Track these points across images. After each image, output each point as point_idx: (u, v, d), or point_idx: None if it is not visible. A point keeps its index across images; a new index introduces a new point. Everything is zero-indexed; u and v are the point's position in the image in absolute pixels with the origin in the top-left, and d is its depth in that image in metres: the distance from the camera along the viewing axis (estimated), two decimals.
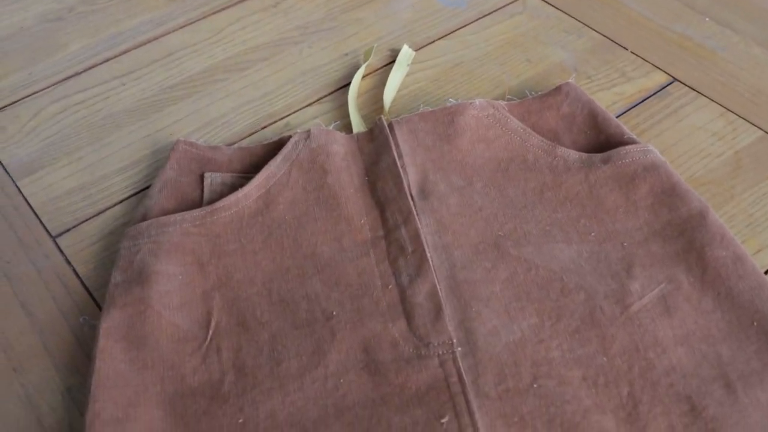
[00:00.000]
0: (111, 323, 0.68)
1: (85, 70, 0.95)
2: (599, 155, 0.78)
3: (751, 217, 0.76)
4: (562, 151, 0.79)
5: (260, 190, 0.77)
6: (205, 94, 0.91)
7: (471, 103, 0.82)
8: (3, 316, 0.72)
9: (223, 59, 0.95)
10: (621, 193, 0.76)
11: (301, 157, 0.79)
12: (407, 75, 0.92)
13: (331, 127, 0.85)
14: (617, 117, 0.87)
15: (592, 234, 0.74)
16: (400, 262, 0.72)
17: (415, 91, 0.90)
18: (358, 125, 0.85)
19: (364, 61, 0.92)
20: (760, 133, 0.84)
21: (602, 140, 0.81)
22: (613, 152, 0.78)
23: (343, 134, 0.82)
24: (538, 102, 0.84)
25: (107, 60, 0.96)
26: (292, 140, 0.80)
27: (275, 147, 0.82)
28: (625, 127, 0.80)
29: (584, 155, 0.78)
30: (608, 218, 0.75)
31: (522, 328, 0.68)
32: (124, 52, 0.97)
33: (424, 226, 0.75)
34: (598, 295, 0.69)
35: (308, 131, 0.80)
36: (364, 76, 0.92)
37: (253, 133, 0.86)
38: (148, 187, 0.82)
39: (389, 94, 0.88)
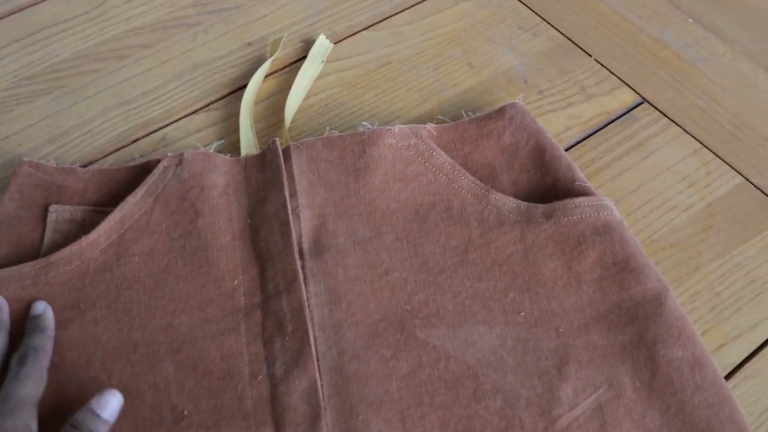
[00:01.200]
0: None
1: None
2: (541, 207, 0.63)
3: (718, 297, 0.62)
4: (496, 197, 0.64)
5: (111, 237, 0.61)
6: (69, 90, 0.74)
7: (389, 130, 0.66)
8: None
9: (99, 42, 0.78)
10: (563, 260, 0.61)
11: (169, 190, 0.63)
12: (320, 77, 0.75)
13: (214, 147, 0.69)
14: (570, 148, 0.71)
15: (522, 314, 0.59)
16: (276, 344, 0.57)
17: (326, 100, 0.73)
18: (248, 144, 0.69)
19: (271, 55, 0.75)
20: (739, 179, 0.69)
21: (548, 183, 0.65)
22: (558, 205, 0.63)
23: (227, 158, 0.66)
24: (475, 127, 0.68)
25: None
26: (160, 166, 0.64)
27: (141, 172, 0.65)
28: (578, 169, 0.65)
29: (523, 205, 0.63)
30: (544, 293, 0.60)
31: None
32: None
33: (313, 294, 0.60)
34: (520, 402, 0.56)
35: (180, 155, 0.64)
36: (267, 75, 0.75)
37: (121, 148, 0.70)
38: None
39: (293, 102, 0.71)
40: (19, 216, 0.63)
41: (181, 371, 0.56)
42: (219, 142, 0.70)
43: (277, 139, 0.65)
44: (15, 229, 0.63)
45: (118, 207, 0.62)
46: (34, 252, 0.62)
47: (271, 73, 0.75)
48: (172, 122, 0.71)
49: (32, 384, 0.52)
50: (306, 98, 0.73)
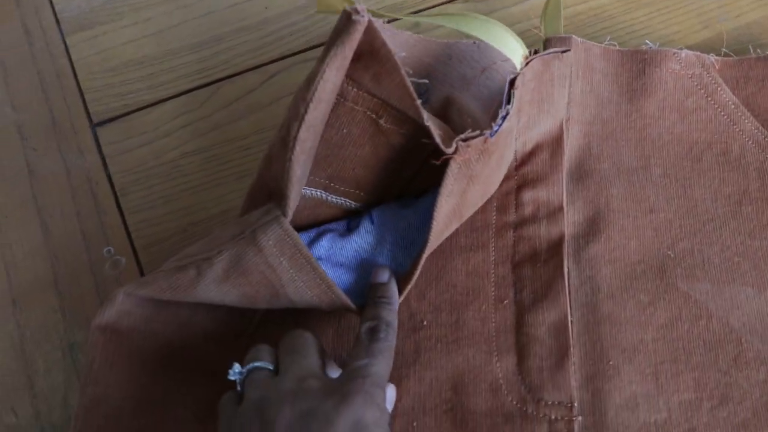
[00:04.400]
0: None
1: None
2: None
3: None
4: None
5: None
6: None
7: (675, 54, 0.59)
8: (15, 225, 0.57)
9: None
10: None
11: None
12: None
13: None
14: None
15: None
16: (525, 269, 0.53)
17: (595, 10, 0.67)
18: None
19: None
20: None
21: None
22: None
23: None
24: (763, 66, 0.61)
25: None
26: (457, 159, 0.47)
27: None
28: None
29: None
30: None
31: (671, 405, 0.50)
32: None
33: (570, 222, 0.55)
34: None
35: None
36: None
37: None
38: (225, 78, 0.63)
39: None
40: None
41: (423, 278, 0.53)
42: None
43: (574, 36, 0.58)
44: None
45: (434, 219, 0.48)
46: None
47: None
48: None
49: (386, 363, 0.45)
50: (575, 5, 0.67)
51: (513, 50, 0.52)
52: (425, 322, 0.52)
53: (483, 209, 0.55)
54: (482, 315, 0.52)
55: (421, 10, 0.68)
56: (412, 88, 0.45)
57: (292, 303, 0.47)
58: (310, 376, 0.43)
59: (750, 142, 0.58)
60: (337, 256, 0.50)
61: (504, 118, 0.48)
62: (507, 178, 0.56)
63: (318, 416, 0.40)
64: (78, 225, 0.57)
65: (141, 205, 0.58)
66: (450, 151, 0.46)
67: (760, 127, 0.58)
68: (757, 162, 0.57)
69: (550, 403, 0.49)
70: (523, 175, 0.56)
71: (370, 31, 0.43)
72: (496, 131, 0.48)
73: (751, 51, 0.62)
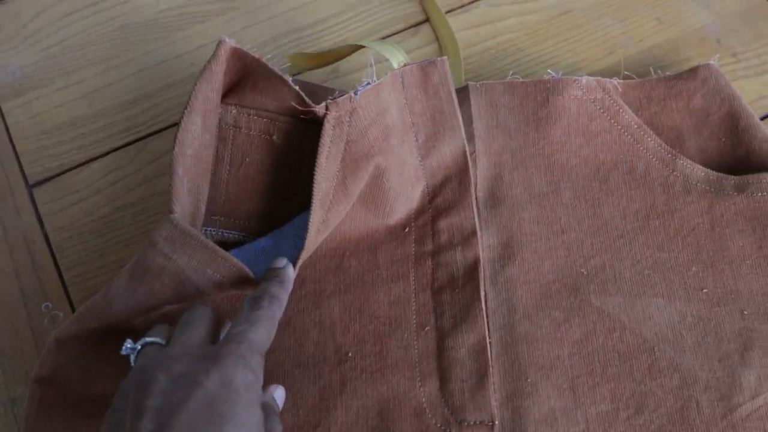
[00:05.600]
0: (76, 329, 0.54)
1: None
2: (733, 179, 0.59)
3: None
4: (683, 164, 0.60)
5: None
6: (242, 13, 0.72)
7: (575, 81, 0.62)
8: None
9: None
10: (753, 238, 0.57)
11: (354, 150, 0.55)
12: (499, 20, 0.71)
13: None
14: (765, 118, 0.66)
15: (705, 291, 0.56)
16: (445, 295, 0.56)
17: (504, 45, 0.70)
18: (396, 54, 0.64)
19: None
20: None
21: (740, 154, 0.61)
22: (752, 178, 0.58)
23: (387, 81, 0.57)
24: (664, 86, 0.64)
25: None
26: (330, 117, 0.54)
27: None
28: None
29: (713, 174, 0.59)
30: (729, 271, 0.56)
31: (588, 417, 0.52)
32: None
33: (485, 247, 0.57)
34: (698, 384, 0.53)
35: (349, 98, 0.55)
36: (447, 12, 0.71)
37: (293, 75, 0.68)
38: (153, 134, 0.66)
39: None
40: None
41: (347, 312, 0.55)
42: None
43: (445, 57, 0.60)
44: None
45: (313, 203, 0.52)
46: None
47: (451, 10, 0.72)
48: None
49: (265, 330, 0.45)
50: (484, 41, 0.70)
51: (393, 55, 0.59)
52: (350, 354, 0.54)
53: (402, 242, 0.58)
54: (405, 343, 0.54)
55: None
56: (281, 75, 0.55)
57: (198, 289, 0.49)
58: (194, 345, 0.44)
59: (654, 159, 0.60)
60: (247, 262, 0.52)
61: (368, 84, 0.55)
62: (422, 211, 0.59)
63: (188, 378, 0.40)
64: (16, 282, 0.59)
65: (76, 260, 0.60)
66: (321, 110, 0.53)
67: (664, 145, 0.61)
68: (661, 177, 0.60)
69: (472, 423, 0.51)
70: (436, 206, 0.58)
71: (238, 54, 0.55)
72: (359, 91, 0.54)
73: (652, 72, 0.65)
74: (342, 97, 0.54)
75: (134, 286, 0.48)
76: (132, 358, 0.45)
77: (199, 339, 0.45)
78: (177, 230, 0.48)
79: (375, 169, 0.55)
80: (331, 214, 0.53)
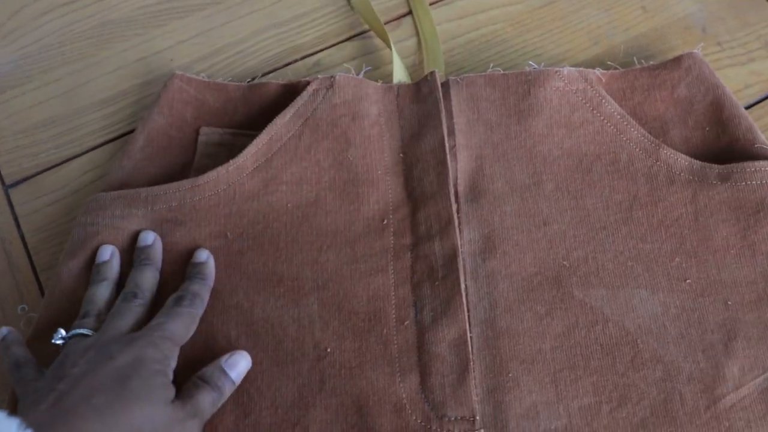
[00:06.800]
0: (45, 323, 0.53)
1: None
2: (717, 168, 0.58)
3: None
4: (667, 154, 0.59)
5: (258, 160, 0.59)
6: (223, 8, 0.71)
7: (557, 72, 0.61)
8: None
9: None
10: (737, 228, 0.57)
11: (319, 115, 0.60)
12: (482, 11, 0.70)
13: (362, 74, 0.65)
14: (750, 107, 0.65)
15: (688, 281, 0.55)
16: (424, 289, 0.55)
17: (487, 36, 0.69)
18: (400, 74, 0.65)
19: None
20: None
21: (724, 144, 0.60)
22: (736, 167, 0.57)
23: (378, 85, 0.62)
24: (647, 75, 0.63)
25: None
26: (309, 88, 0.61)
27: (291, 92, 0.63)
28: (758, 130, 0.59)
29: (696, 164, 0.58)
30: (713, 261, 0.56)
31: (570, 411, 0.51)
32: None
33: (466, 242, 0.57)
34: (681, 375, 0.52)
35: (331, 78, 0.61)
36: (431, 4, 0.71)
37: (272, 71, 0.68)
38: (130, 132, 0.65)
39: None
40: (169, 135, 0.62)
41: (326, 309, 0.55)
42: (367, 69, 0.66)
43: (436, 70, 0.61)
44: (167, 150, 0.62)
45: (266, 128, 0.59)
46: (183, 175, 0.60)
47: (435, 2, 0.71)
48: (325, 48, 0.69)
49: (183, 324, 0.51)
50: (467, 33, 0.69)
51: (399, 73, 0.64)
52: (329, 350, 0.53)
53: (380, 235, 0.57)
54: (384, 338, 0.53)
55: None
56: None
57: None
58: (119, 333, 0.49)
59: (637, 150, 0.60)
60: None
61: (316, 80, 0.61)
62: (401, 204, 0.58)
63: (105, 354, 0.47)
64: None
65: (53, 261, 0.59)
66: (304, 83, 0.61)
67: (647, 135, 0.60)
68: (644, 168, 0.59)
69: (453, 418, 0.51)
70: (414, 198, 0.58)
71: (191, 82, 0.64)
72: (342, 74, 0.61)
73: (636, 62, 0.64)
74: (325, 76, 0.61)
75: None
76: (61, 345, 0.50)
77: (124, 329, 0.50)
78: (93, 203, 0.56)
79: (336, 142, 0.60)
80: (276, 157, 0.59)
